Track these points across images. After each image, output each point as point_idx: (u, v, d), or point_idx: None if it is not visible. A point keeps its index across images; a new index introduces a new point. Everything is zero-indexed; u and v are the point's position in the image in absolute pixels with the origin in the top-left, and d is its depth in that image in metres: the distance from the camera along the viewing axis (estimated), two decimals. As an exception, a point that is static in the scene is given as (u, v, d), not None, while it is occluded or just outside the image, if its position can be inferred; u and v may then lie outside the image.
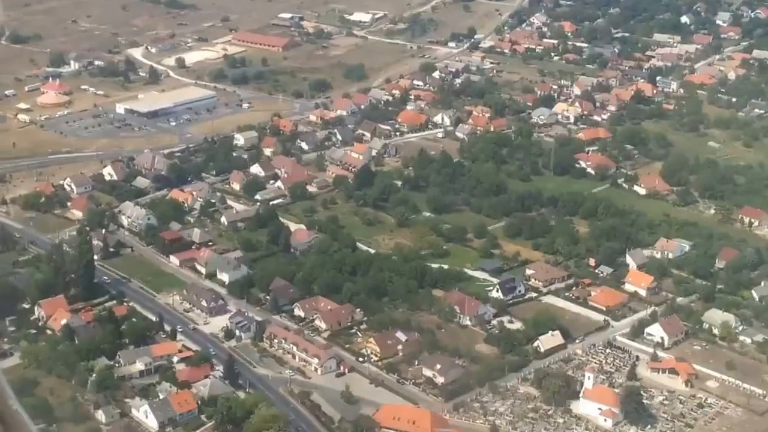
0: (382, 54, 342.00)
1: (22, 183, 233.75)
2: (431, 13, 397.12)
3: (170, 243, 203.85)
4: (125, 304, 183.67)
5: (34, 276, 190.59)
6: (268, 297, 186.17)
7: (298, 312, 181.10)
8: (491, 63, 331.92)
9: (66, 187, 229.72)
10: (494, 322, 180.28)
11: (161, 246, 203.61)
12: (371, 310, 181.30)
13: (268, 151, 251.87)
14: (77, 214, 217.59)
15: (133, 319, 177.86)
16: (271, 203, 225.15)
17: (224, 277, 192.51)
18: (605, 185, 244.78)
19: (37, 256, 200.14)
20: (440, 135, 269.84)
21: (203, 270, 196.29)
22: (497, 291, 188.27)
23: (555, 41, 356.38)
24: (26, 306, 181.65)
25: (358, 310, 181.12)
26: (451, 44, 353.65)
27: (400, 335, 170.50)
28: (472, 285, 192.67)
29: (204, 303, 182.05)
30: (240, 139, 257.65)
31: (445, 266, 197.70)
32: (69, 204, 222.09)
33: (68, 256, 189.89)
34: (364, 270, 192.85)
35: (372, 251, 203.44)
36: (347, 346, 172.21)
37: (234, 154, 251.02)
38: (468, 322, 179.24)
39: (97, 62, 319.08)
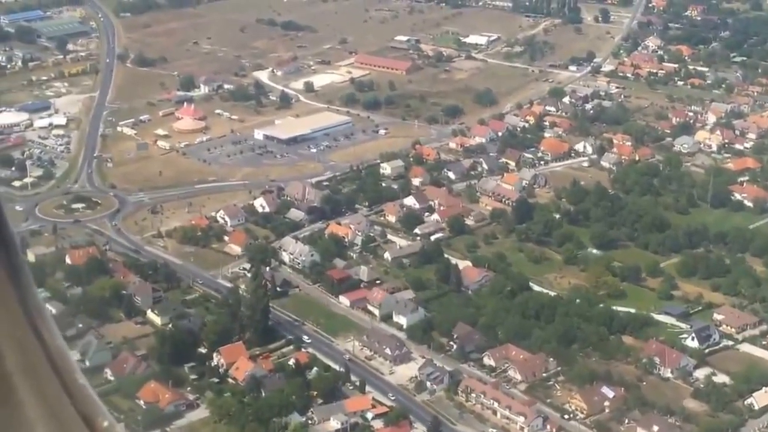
0: (505, 78, 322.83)
1: (174, 214, 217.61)
2: (544, 36, 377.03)
3: (338, 282, 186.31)
4: (304, 350, 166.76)
5: (206, 318, 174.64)
6: (451, 343, 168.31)
7: (488, 361, 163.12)
8: (617, 88, 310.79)
9: (219, 219, 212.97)
10: (696, 374, 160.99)
11: (329, 285, 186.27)
12: (564, 359, 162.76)
13: (416, 181, 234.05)
14: (235, 249, 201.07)
15: (315, 368, 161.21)
16: (431, 238, 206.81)
17: (401, 320, 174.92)
18: (765, 219, 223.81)
19: (204, 295, 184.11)
20: (585, 164, 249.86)
21: (376, 312, 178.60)
22: (693, 339, 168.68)
23: (675, 65, 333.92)
24: (202, 351, 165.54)
25: (551, 359, 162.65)
26: (572, 68, 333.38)
27: (607, 390, 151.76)
28: (663, 331, 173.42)
29: (387, 350, 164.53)
30: (387, 168, 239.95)
31: (632, 310, 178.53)
32: (226, 238, 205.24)
33: (244, 299, 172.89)
34: (547, 314, 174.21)
35: (551, 293, 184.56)
36: (548, 400, 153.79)
37: (383, 184, 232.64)
38: (669, 375, 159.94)
39: (226, 86, 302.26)
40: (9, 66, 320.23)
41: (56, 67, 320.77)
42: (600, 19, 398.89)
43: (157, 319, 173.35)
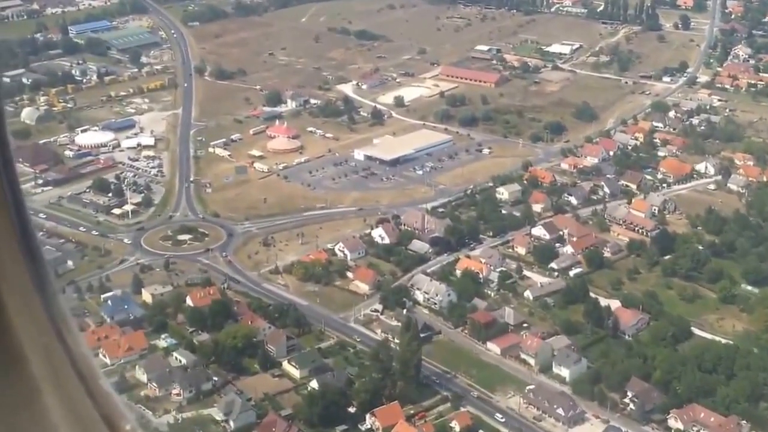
0: (598, 90, 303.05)
1: (287, 246, 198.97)
2: (626, 44, 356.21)
3: (484, 326, 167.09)
4: (463, 409, 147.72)
5: (346, 369, 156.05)
6: (626, 400, 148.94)
7: (675, 423, 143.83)
8: (719, 100, 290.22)
9: (338, 252, 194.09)
10: None
11: (475, 330, 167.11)
12: (758, 422, 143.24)
13: (537, 207, 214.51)
14: (362, 287, 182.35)
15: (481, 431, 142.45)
16: (570, 273, 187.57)
17: (562, 371, 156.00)
18: None
19: (340, 342, 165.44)
20: (711, 187, 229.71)
21: (532, 361, 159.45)
22: None
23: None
24: (351, 410, 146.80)
25: (743, 422, 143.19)
26: (666, 79, 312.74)
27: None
28: None
29: (560, 410, 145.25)
30: (504, 193, 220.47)
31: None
32: (350, 274, 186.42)
33: (395, 352, 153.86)
34: (725, 367, 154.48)
35: (721, 339, 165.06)
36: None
37: (503, 212, 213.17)
38: None
39: (312, 100, 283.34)
40: (84, 80, 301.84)
41: (133, 82, 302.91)
42: (680, 26, 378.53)
43: (295, 372, 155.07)
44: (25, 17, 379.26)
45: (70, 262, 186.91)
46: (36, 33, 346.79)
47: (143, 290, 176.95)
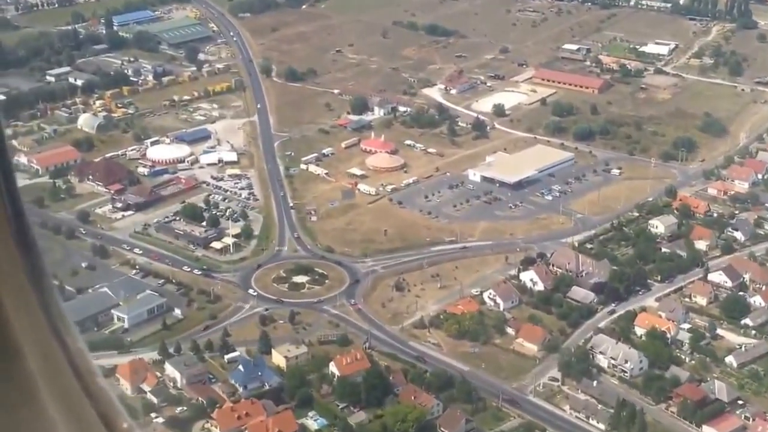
0: (714, 98, 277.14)
1: (424, 291, 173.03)
2: (725, 44, 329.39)
3: (696, 404, 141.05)
4: None
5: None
6: None
7: None
8: None
9: (487, 300, 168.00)
10: None
11: (685, 409, 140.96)
12: None
13: (701, 245, 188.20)
14: (529, 347, 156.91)
15: None
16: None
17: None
18: None
19: (526, 425, 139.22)
20: None
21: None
22: None
23: None
24: None
25: None
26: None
27: None
28: None
29: None
30: (658, 226, 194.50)
31: None
32: (509, 330, 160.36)
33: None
34: None
35: None
36: None
37: (663, 250, 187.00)
38: None
39: (401, 108, 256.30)
40: (139, 81, 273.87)
41: (194, 83, 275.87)
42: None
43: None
44: (57, 5, 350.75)
45: (177, 311, 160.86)
46: (72, 24, 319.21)
47: (273, 351, 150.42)
